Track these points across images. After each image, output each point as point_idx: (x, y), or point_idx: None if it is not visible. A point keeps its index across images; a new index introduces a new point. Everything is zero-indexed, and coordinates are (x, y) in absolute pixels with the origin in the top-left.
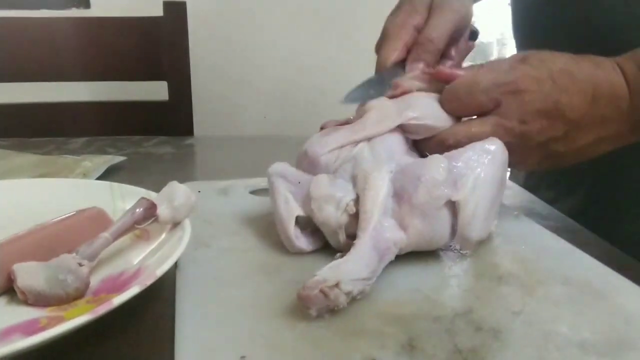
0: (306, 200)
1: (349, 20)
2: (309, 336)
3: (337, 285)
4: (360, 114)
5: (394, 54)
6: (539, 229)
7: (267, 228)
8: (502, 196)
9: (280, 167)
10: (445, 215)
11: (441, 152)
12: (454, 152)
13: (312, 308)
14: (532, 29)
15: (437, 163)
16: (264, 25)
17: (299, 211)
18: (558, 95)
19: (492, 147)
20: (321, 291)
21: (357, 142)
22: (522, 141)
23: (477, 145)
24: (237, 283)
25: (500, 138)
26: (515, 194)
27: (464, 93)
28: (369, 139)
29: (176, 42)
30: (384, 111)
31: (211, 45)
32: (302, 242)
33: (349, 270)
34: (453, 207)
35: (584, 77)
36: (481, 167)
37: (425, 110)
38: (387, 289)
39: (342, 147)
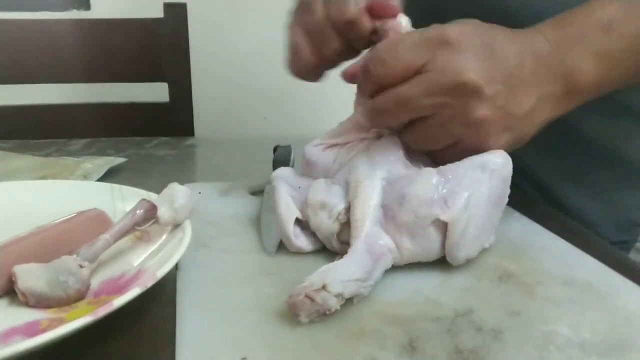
0: (304, 204)
1: None
2: (309, 337)
3: (323, 287)
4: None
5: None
6: (539, 229)
7: None
8: (500, 212)
9: (283, 172)
10: (433, 233)
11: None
12: (449, 165)
13: (301, 314)
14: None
15: (426, 179)
16: (264, 26)
17: (298, 214)
18: (492, 40)
19: (494, 161)
20: (306, 296)
21: (345, 143)
22: (465, 99)
23: (476, 158)
24: (238, 284)
25: (437, 98)
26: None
27: (389, 54)
28: (368, 142)
29: (176, 43)
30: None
31: (211, 47)
32: (301, 241)
33: (339, 272)
34: (442, 226)
35: (507, 38)
36: (477, 184)
37: None
38: (388, 289)
39: (329, 144)
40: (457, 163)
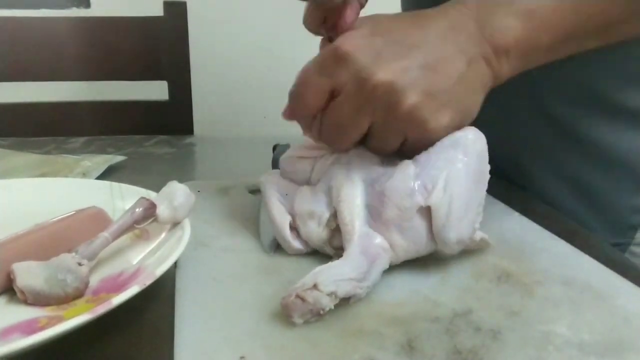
0: (293, 211)
1: None
2: (308, 336)
3: (314, 287)
4: None
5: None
6: (539, 229)
7: None
8: (483, 190)
9: (271, 177)
10: (420, 223)
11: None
12: (422, 154)
13: (293, 315)
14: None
15: (402, 171)
16: (264, 25)
17: (290, 219)
18: (394, 34)
19: (462, 138)
20: (297, 296)
21: (312, 154)
22: (385, 96)
23: (446, 139)
24: (237, 283)
25: (361, 110)
26: (514, 194)
27: (300, 86)
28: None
29: (176, 41)
30: None
31: (211, 45)
32: (299, 243)
33: (332, 272)
34: (427, 213)
35: (415, 22)
36: (452, 163)
37: None
38: (386, 289)
39: (303, 156)
40: (429, 149)
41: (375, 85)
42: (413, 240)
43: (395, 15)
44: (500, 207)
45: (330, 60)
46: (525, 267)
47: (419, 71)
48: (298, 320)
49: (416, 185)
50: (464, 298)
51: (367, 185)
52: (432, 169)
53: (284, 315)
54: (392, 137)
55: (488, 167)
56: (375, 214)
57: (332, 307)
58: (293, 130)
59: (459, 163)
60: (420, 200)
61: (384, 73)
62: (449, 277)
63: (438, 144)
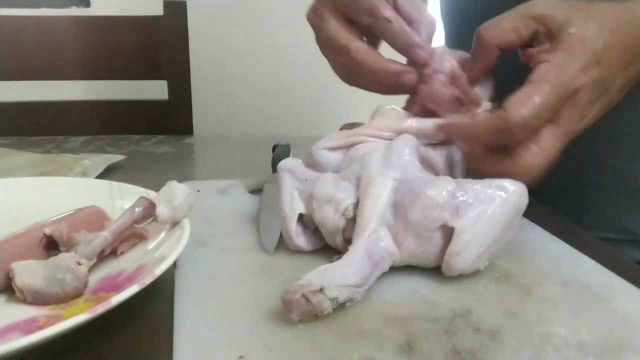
0: (310, 198)
1: None
2: (307, 336)
3: (321, 290)
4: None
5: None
6: (538, 230)
7: None
8: (503, 242)
9: (290, 163)
10: (438, 239)
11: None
12: (468, 180)
13: (293, 312)
14: (461, 12)
15: (442, 184)
16: (264, 24)
17: (302, 209)
18: (602, 69)
19: (511, 188)
20: (303, 295)
21: (351, 144)
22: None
23: (496, 181)
24: (236, 283)
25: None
26: None
27: (528, 121)
28: (385, 141)
29: (176, 41)
30: (387, 118)
31: (211, 45)
32: (302, 240)
33: (337, 275)
34: (448, 233)
35: (618, 40)
36: (491, 203)
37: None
38: (386, 289)
39: (338, 147)
40: (475, 180)
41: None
42: (424, 249)
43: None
44: None
45: (562, 99)
46: (524, 268)
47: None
48: (295, 317)
49: (450, 203)
50: (463, 298)
51: (399, 183)
52: (471, 198)
53: (283, 309)
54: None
55: (518, 225)
56: (400, 211)
57: (331, 312)
58: (293, 130)
59: (498, 206)
60: (446, 217)
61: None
62: (448, 278)
63: (486, 180)
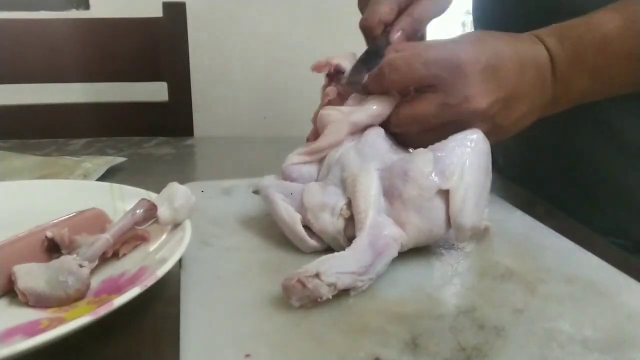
0: (302, 209)
1: (353, 21)
2: (312, 334)
3: (317, 275)
4: (355, 100)
5: (382, 12)
6: (542, 227)
7: (270, 227)
8: (489, 184)
9: (269, 180)
10: (438, 205)
11: (397, 133)
12: (437, 144)
13: (292, 298)
14: (492, 14)
15: (422, 156)
16: (264, 25)
17: (299, 216)
18: (496, 60)
19: (474, 137)
20: (299, 281)
21: (316, 158)
22: (468, 118)
23: (459, 135)
24: (241, 282)
25: (445, 117)
26: (517, 193)
27: (404, 65)
28: (352, 138)
29: (176, 42)
30: (335, 124)
31: (211, 46)
32: (315, 240)
33: (336, 263)
34: (444, 197)
35: (511, 52)
36: (466, 156)
37: (370, 104)
38: (390, 287)
39: (305, 162)
40: (443, 142)
41: (471, 109)
42: (428, 219)
43: (495, 36)
44: (503, 205)
45: (447, 63)
46: (528, 265)
47: (500, 104)
48: (295, 303)
49: (436, 169)
50: (467, 296)
51: (382, 172)
52: (448, 158)
53: (283, 295)
54: (439, 138)
55: (491, 167)
56: (394, 196)
57: (330, 297)
58: (292, 130)
59: (472, 156)
60: (438, 183)
61: (481, 100)
62: (452, 274)
63: (451, 138)
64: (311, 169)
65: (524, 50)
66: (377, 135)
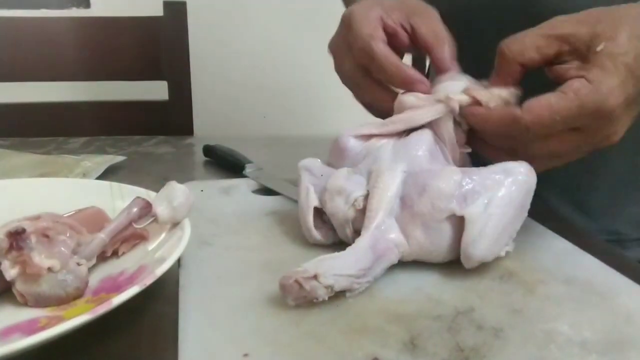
0: (323, 191)
1: None
2: (311, 334)
3: (315, 277)
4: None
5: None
6: (541, 228)
7: (270, 226)
8: (520, 223)
9: (308, 161)
10: (446, 229)
11: (508, 134)
12: (473, 168)
13: (288, 297)
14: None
15: (449, 175)
16: (264, 25)
17: (316, 202)
18: (635, 95)
19: (520, 169)
20: (296, 281)
21: (384, 134)
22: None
23: (501, 165)
24: (240, 281)
25: (580, 154)
26: None
27: (546, 113)
28: (398, 136)
29: (176, 41)
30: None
31: (211, 45)
32: (320, 233)
33: (335, 264)
34: (458, 223)
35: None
36: (499, 187)
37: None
38: (389, 287)
39: (370, 135)
40: (481, 167)
41: (610, 142)
42: (432, 241)
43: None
44: None
45: (591, 113)
46: (527, 266)
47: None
48: (291, 302)
49: (458, 193)
50: (466, 296)
51: (407, 176)
52: (478, 186)
53: (280, 295)
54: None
55: (529, 206)
56: (407, 203)
57: (326, 299)
58: (292, 130)
59: (506, 189)
60: (454, 208)
61: (620, 133)
62: (451, 275)
63: (492, 166)
64: (361, 147)
65: None
66: (421, 140)
